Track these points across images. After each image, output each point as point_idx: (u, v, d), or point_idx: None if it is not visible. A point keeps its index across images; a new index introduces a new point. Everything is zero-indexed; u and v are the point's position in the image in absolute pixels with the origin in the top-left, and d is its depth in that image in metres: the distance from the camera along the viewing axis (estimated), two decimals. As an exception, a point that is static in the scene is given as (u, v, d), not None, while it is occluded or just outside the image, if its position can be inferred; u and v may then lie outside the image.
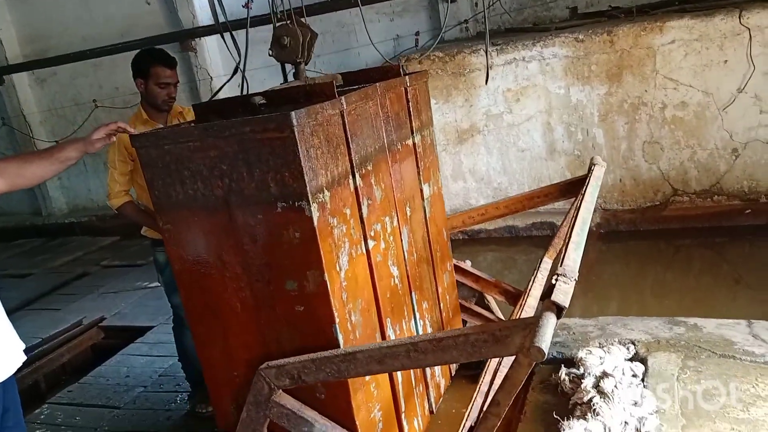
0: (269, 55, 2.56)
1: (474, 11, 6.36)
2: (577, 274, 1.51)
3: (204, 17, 7.14)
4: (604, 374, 2.73)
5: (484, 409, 1.61)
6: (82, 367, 4.68)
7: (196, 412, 3.43)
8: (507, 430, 2.70)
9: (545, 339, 1.32)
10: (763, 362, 2.72)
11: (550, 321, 1.35)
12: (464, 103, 5.67)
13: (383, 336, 2.25)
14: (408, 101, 2.65)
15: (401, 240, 2.47)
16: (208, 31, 7.11)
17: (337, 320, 1.91)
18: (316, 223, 1.82)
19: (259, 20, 6.81)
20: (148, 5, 7.45)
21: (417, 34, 6.46)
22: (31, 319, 5.34)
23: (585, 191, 2.45)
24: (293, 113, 1.72)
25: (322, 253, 1.84)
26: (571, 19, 5.93)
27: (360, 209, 2.12)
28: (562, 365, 2.96)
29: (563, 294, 1.44)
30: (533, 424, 2.74)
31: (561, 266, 1.57)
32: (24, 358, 2.09)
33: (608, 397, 2.55)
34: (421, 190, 2.73)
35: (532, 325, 1.44)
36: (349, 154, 2.05)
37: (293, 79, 2.64)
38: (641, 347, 2.99)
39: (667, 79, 5.08)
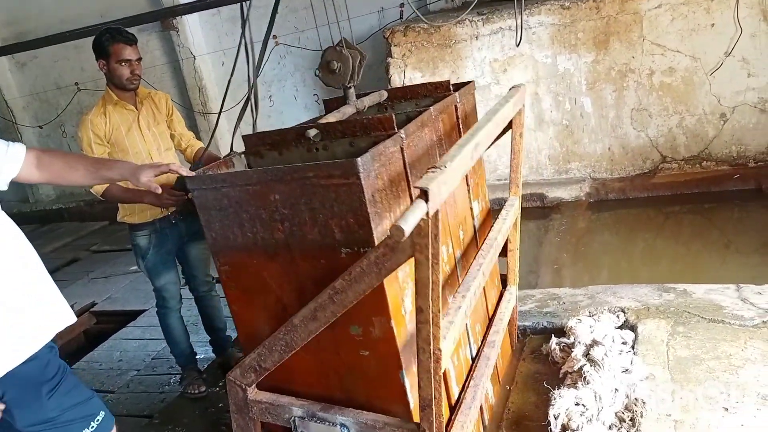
0: (315, 75, 2.46)
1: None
2: (449, 165, 1.59)
3: (184, -5, 7.00)
4: (594, 342, 2.74)
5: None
6: (74, 352, 4.67)
7: (187, 393, 3.44)
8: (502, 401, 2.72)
9: (407, 220, 1.37)
10: (752, 326, 2.74)
11: (417, 205, 1.41)
12: (451, 75, 5.60)
13: (447, 387, 2.14)
14: (458, 119, 2.50)
15: (456, 267, 2.35)
16: (188, 9, 6.97)
17: (404, 366, 1.85)
18: None
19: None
20: (126, -16, 7.28)
21: (401, 5, 6.35)
22: (22, 306, 5.32)
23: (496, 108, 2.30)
24: (359, 160, 1.63)
25: (388, 298, 1.77)
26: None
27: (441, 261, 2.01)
28: (553, 335, 2.98)
29: (428, 180, 1.48)
30: (525, 394, 2.77)
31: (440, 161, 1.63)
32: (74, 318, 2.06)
33: (598, 365, 2.57)
34: (471, 209, 2.57)
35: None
36: (409, 190, 1.95)
37: (343, 98, 2.51)
38: (631, 315, 3.01)
39: (655, 45, 5.03)
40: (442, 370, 1.74)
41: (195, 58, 7.19)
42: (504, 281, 2.95)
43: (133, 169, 2.19)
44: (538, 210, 5.36)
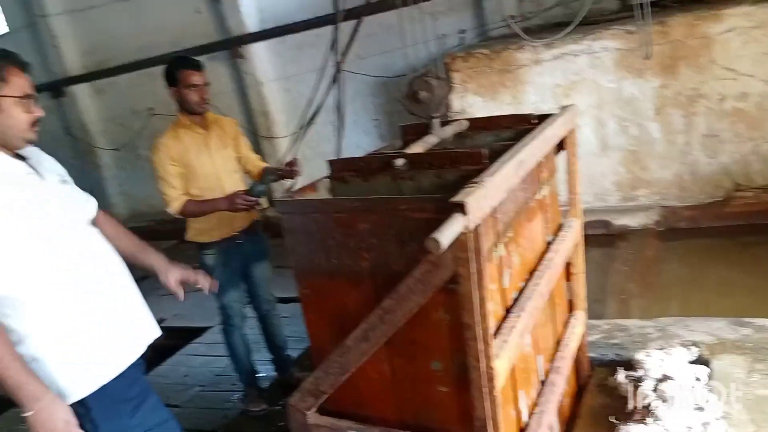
0: (401, 104, 2.47)
1: (520, 8, 6.26)
2: (489, 180, 1.64)
3: (252, 24, 7.27)
4: (665, 377, 2.64)
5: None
6: (143, 367, 4.84)
7: (248, 411, 3.50)
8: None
9: (443, 233, 1.40)
10: (838, 365, 2.57)
11: (454, 219, 1.44)
12: (512, 101, 5.58)
13: (517, 411, 2.11)
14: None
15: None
16: (256, 37, 7.25)
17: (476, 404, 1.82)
18: None
19: (306, 24, 6.90)
20: (198, 14, 7.63)
21: (462, 32, 6.40)
22: (94, 321, 5.55)
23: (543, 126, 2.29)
24: (453, 199, 1.59)
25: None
26: (621, 11, 5.75)
27: (501, 281, 1.98)
28: (620, 368, 2.88)
29: (466, 194, 1.49)
30: (589, 428, 2.67)
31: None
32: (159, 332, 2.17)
33: (669, 401, 2.47)
34: (548, 243, 2.52)
35: None
36: (495, 225, 1.93)
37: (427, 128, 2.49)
38: (705, 349, 2.88)
39: (726, 69, 4.86)
40: (498, 390, 1.71)
41: (261, 85, 7.43)
42: (571, 307, 2.89)
43: (165, 265, 2.31)
44: (604, 237, 5.22)
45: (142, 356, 2.11)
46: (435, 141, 2.40)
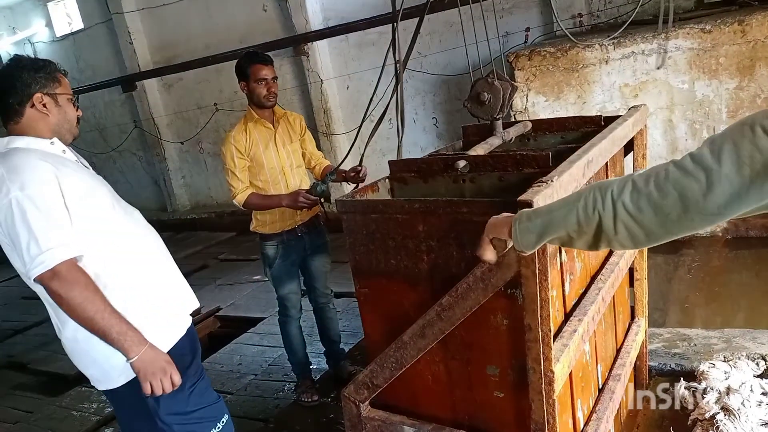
0: (464, 105, 2.43)
1: (589, 5, 6.11)
2: (557, 179, 1.60)
3: (316, 22, 7.38)
4: (730, 390, 2.52)
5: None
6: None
7: (301, 401, 3.55)
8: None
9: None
10: None
11: None
12: (577, 100, 5.45)
13: (574, 419, 2.07)
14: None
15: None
16: (319, 35, 7.36)
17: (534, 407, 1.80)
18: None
19: (368, 23, 6.94)
20: (264, 12, 7.81)
21: (527, 30, 6.30)
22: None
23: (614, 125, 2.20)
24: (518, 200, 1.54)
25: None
26: (696, 9, 5.53)
27: (563, 287, 1.94)
28: (681, 378, 2.77)
29: (533, 193, 1.46)
30: (648, 439, 2.59)
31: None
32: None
33: (734, 415, 2.36)
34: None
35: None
36: None
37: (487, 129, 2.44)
38: (774, 363, 2.74)
39: (809, 71, 4.60)
40: (556, 394, 1.67)
41: (322, 82, 7.54)
42: (632, 313, 2.79)
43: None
44: (668, 244, 5.03)
45: (196, 337, 2.23)
46: (498, 143, 2.35)
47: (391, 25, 2.53)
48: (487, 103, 2.32)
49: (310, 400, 3.52)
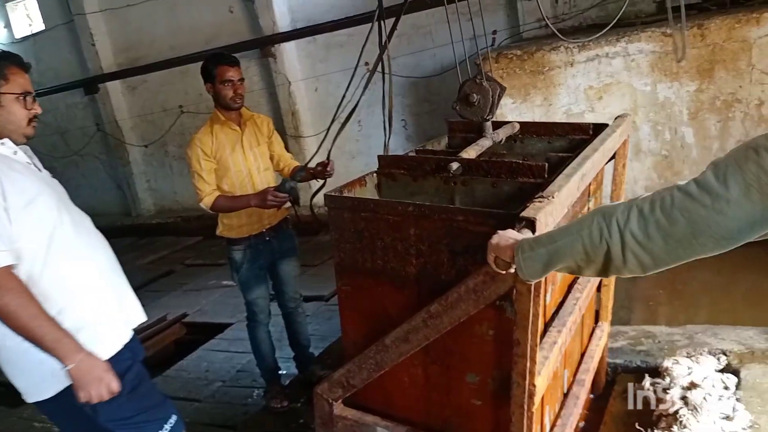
0: (453, 107, 2.40)
1: (554, 8, 6.19)
2: (557, 195, 1.60)
3: (284, 24, 7.33)
4: (692, 385, 2.58)
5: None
6: (165, 360, 4.89)
7: (271, 407, 3.51)
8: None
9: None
10: None
11: (524, 234, 1.41)
12: (543, 102, 5.51)
13: (541, 426, 2.05)
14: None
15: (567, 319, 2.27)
16: (286, 37, 7.30)
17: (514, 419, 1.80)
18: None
19: (335, 24, 6.92)
20: (231, 13, 7.72)
21: (494, 33, 6.36)
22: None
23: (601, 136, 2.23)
24: (520, 216, 1.53)
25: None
26: (658, 14, 5.65)
27: (545, 299, 1.89)
28: (646, 375, 2.81)
29: (535, 210, 1.46)
30: (614, 436, 2.62)
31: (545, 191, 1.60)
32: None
33: (696, 409, 2.41)
34: None
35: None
36: None
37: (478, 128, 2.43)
38: (733, 358, 2.80)
39: (765, 74, 4.73)
40: (536, 407, 1.68)
41: (290, 84, 7.48)
42: (596, 317, 2.83)
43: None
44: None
45: (137, 342, 2.20)
46: (488, 144, 2.33)
47: (366, 25, 2.51)
48: (476, 104, 2.31)
49: (279, 405, 3.48)
